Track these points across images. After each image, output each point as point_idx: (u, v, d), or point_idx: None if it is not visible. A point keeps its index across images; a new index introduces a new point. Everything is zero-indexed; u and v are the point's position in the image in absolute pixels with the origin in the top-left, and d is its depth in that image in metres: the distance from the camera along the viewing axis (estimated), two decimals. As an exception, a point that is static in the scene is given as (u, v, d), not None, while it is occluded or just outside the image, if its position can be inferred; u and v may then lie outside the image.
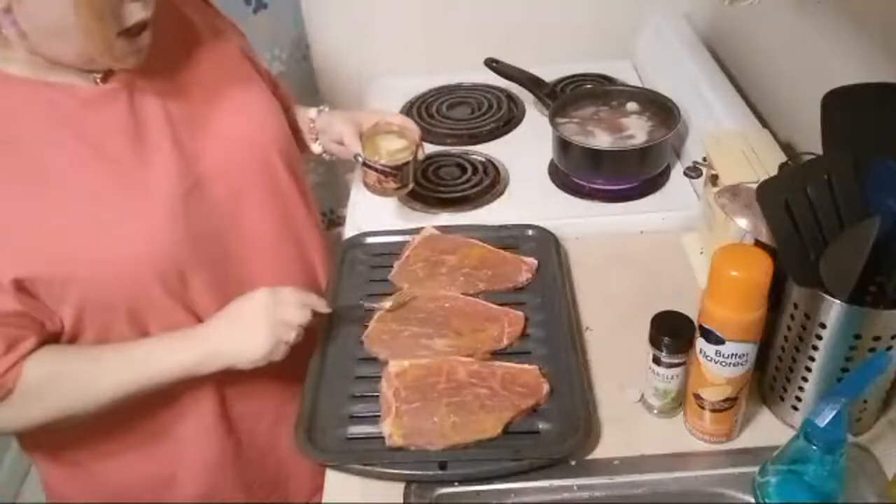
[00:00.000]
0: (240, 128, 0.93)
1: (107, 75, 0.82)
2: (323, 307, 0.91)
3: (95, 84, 0.81)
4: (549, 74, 1.47)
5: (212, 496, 1.00)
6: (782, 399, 0.82)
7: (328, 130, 1.12)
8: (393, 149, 1.08)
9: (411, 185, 1.11)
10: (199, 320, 0.89)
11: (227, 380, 0.93)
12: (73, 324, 0.82)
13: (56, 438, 0.93)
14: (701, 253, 1.07)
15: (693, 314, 0.78)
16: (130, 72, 0.83)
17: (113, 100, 0.82)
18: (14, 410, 0.81)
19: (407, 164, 1.08)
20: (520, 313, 0.97)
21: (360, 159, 1.06)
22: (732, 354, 0.73)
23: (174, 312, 0.87)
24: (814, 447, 0.65)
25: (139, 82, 0.84)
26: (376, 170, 1.06)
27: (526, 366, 0.89)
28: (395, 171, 1.07)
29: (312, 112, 1.13)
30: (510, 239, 1.11)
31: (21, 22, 0.72)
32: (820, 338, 0.74)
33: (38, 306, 0.79)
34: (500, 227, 1.13)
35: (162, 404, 0.92)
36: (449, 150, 1.36)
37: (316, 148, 1.14)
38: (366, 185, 1.10)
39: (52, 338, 0.82)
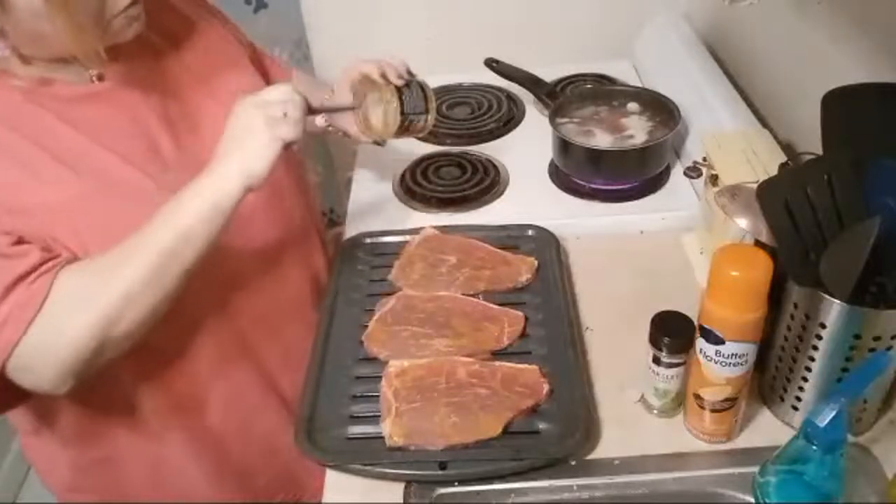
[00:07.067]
0: None
1: (101, 75, 0.83)
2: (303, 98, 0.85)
3: (91, 83, 0.82)
4: (549, 74, 1.47)
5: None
6: (782, 399, 0.82)
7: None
8: (391, 113, 1.00)
9: (432, 113, 1.05)
10: None
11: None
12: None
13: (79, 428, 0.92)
14: (701, 253, 1.07)
15: (693, 314, 0.78)
16: (124, 69, 0.83)
17: (107, 98, 0.83)
18: (58, 319, 0.76)
19: (411, 114, 1.02)
20: (520, 313, 0.97)
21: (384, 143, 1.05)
22: (732, 354, 0.73)
23: None
24: (814, 447, 0.64)
25: (134, 80, 0.85)
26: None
27: (526, 366, 0.89)
28: (408, 124, 1.02)
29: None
30: (510, 239, 1.11)
31: (12, 36, 0.73)
32: (820, 338, 0.75)
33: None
34: (500, 227, 1.12)
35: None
36: (449, 150, 1.36)
37: (319, 121, 1.03)
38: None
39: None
